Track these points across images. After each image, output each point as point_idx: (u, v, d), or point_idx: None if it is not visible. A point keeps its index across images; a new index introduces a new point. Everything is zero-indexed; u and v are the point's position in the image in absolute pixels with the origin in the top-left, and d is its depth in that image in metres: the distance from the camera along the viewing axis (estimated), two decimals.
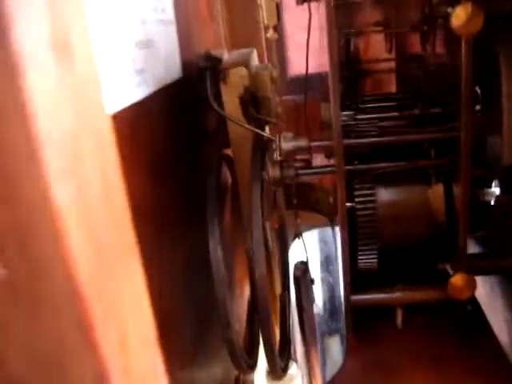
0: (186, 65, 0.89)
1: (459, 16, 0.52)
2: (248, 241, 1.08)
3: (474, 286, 0.62)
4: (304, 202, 1.20)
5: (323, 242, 1.55)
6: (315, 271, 1.48)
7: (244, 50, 1.06)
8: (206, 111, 1.01)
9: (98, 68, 0.32)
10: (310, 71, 0.96)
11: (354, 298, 0.70)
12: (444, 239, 0.69)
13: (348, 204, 0.70)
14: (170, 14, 0.81)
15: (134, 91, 0.64)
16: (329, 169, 0.66)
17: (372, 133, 0.65)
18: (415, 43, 0.71)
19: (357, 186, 0.68)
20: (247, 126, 0.81)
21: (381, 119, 0.70)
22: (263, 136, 0.77)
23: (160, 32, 0.76)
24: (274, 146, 0.67)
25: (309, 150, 0.64)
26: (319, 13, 0.79)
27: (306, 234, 1.36)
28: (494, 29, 0.63)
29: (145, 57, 0.68)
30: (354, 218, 0.71)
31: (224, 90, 0.90)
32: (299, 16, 1.39)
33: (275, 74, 0.98)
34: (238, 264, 1.22)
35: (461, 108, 0.57)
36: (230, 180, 1.14)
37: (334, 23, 0.56)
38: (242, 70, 0.89)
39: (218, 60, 0.82)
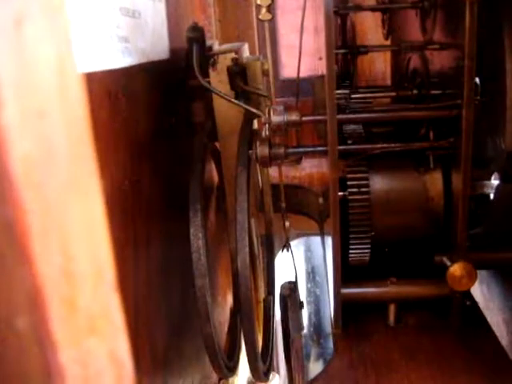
0: (173, 48, 0.85)
1: None
2: (232, 242, 1.03)
3: (474, 276, 0.58)
4: (292, 205, 1.16)
5: (310, 251, 1.50)
6: (301, 282, 1.43)
7: (235, 43, 1.03)
8: (194, 102, 0.97)
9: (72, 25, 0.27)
10: (302, 75, 0.92)
11: (344, 291, 0.65)
12: (442, 230, 0.64)
13: (340, 193, 0.66)
14: None
15: (115, 57, 0.60)
16: (320, 148, 0.61)
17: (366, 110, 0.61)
18: (414, 28, 0.68)
19: (349, 175, 0.64)
20: (235, 101, 0.76)
21: (376, 98, 0.66)
22: (251, 115, 0.73)
23: (148, 6, 0.72)
24: (264, 121, 0.62)
25: (300, 124, 0.60)
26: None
27: (292, 243, 1.32)
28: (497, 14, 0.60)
29: (129, 26, 0.64)
30: (346, 209, 0.67)
31: (213, 76, 0.86)
32: (292, 18, 1.37)
33: (267, 65, 0.95)
34: (222, 271, 1.17)
35: (463, 83, 0.53)
36: (216, 178, 1.10)
37: None
38: (231, 55, 0.85)
39: (203, 30, 0.78)
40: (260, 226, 1.12)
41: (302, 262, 1.50)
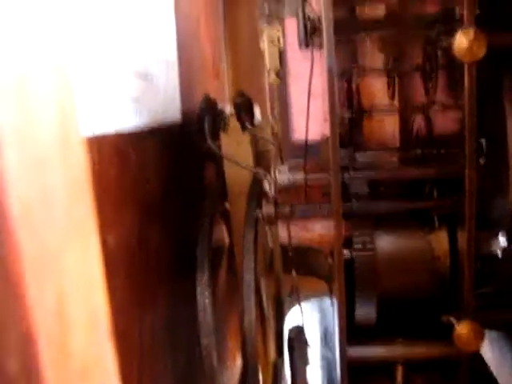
0: (186, 112, 0.88)
1: (461, 42, 0.50)
2: (241, 303, 1.03)
3: (481, 336, 0.57)
4: (302, 266, 1.15)
5: (322, 313, 1.48)
6: (313, 346, 1.40)
7: None
8: (205, 163, 0.99)
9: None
10: (312, 137, 0.94)
11: (350, 352, 0.64)
12: (448, 289, 0.64)
13: (345, 251, 0.66)
14: (173, 55, 0.81)
15: (127, 117, 0.62)
16: (325, 207, 0.62)
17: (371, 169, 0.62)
18: (418, 89, 0.70)
19: (355, 233, 0.65)
20: (243, 164, 0.78)
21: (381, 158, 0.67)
22: (259, 180, 0.74)
23: (161, 70, 0.75)
24: (269, 180, 0.64)
25: (305, 184, 0.61)
26: (322, 61, 0.78)
27: (303, 305, 1.30)
28: (500, 75, 0.62)
29: (142, 88, 0.67)
30: (352, 267, 0.67)
31: (224, 139, 0.88)
32: (304, 83, 1.41)
33: (276, 128, 0.97)
34: (232, 334, 1.15)
35: (465, 142, 0.54)
36: (226, 239, 1.10)
37: (333, 55, 0.55)
38: None
39: (215, 102, 0.80)
40: (270, 287, 1.11)
41: (313, 325, 1.48)
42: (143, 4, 0.70)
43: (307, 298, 1.37)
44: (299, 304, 1.09)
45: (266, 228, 1.04)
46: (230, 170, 0.92)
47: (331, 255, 0.75)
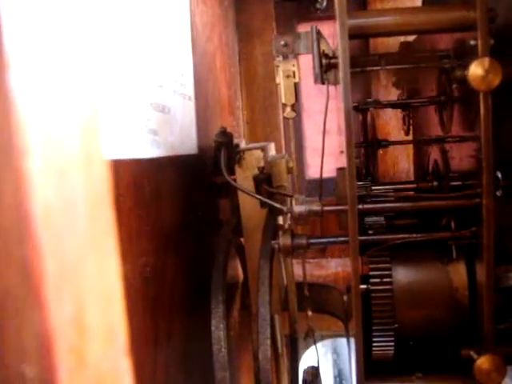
0: (202, 145, 0.89)
1: (477, 70, 0.51)
2: (255, 339, 1.01)
3: (503, 370, 0.55)
4: (317, 304, 1.13)
5: (336, 353, 1.45)
6: None
7: (262, 143, 1.07)
8: (220, 198, 0.99)
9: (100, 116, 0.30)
10: (327, 175, 0.95)
11: None
12: (467, 322, 0.62)
13: (363, 286, 0.65)
14: (189, 90, 0.82)
15: (144, 147, 0.62)
16: (342, 239, 0.62)
17: (387, 200, 0.62)
18: (433, 122, 0.70)
19: (371, 265, 0.64)
20: (259, 196, 0.78)
21: (397, 190, 0.67)
22: (275, 211, 0.74)
23: (178, 103, 0.76)
24: (286, 210, 0.63)
25: (321, 214, 0.61)
26: (337, 96, 0.79)
27: (318, 345, 1.28)
28: None
29: (159, 120, 0.68)
30: (369, 301, 0.66)
31: (239, 172, 0.88)
32: (317, 120, 1.42)
33: (291, 163, 0.97)
34: (245, 371, 1.13)
35: (482, 171, 0.54)
36: (241, 274, 1.10)
37: (349, 88, 0.55)
38: (257, 153, 0.88)
39: (231, 135, 0.81)
40: (285, 326, 1.10)
41: (329, 366, 1.45)
42: (163, 39, 0.71)
43: (322, 338, 1.35)
44: (315, 345, 1.07)
45: (281, 264, 1.03)
46: (244, 205, 0.92)
47: (347, 292, 0.74)
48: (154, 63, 0.67)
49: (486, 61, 0.51)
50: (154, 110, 0.67)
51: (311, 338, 1.06)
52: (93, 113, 0.27)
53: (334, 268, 1.25)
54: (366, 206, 0.59)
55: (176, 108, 0.75)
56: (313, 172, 1.36)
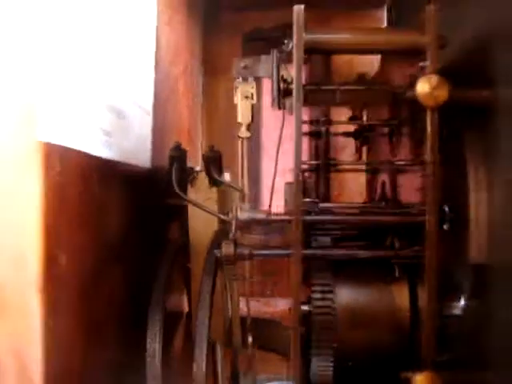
0: (155, 162, 0.89)
1: (424, 87, 0.53)
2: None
3: None
4: (261, 340, 1.11)
5: None
6: None
7: None
8: (170, 219, 0.98)
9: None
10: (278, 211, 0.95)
11: None
12: (408, 343, 0.62)
13: (305, 308, 0.65)
14: (148, 105, 0.83)
15: (95, 145, 0.62)
16: (286, 251, 0.61)
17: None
18: (384, 150, 0.72)
19: (314, 281, 0.63)
20: (208, 208, 0.77)
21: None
22: (222, 234, 0.74)
23: (135, 113, 0.76)
24: (230, 218, 0.63)
25: (266, 222, 0.60)
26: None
27: None
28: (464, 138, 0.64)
29: (113, 123, 0.67)
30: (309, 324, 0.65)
31: (191, 193, 0.88)
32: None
33: (244, 189, 0.97)
34: None
35: (427, 189, 0.55)
36: (186, 308, 1.07)
37: (301, 114, 0.57)
38: None
39: (185, 151, 0.81)
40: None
41: None
42: (125, 48, 0.72)
43: (262, 381, 1.31)
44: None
45: (226, 294, 1.02)
46: (194, 226, 0.91)
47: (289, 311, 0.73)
48: (114, 67, 0.67)
49: (433, 78, 0.53)
50: (109, 112, 0.66)
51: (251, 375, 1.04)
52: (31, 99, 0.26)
53: (281, 306, 1.24)
54: (311, 217, 0.60)
55: (133, 117, 0.75)
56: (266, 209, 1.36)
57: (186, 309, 1.08)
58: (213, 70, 1.29)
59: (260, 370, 1.19)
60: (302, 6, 0.58)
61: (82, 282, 0.60)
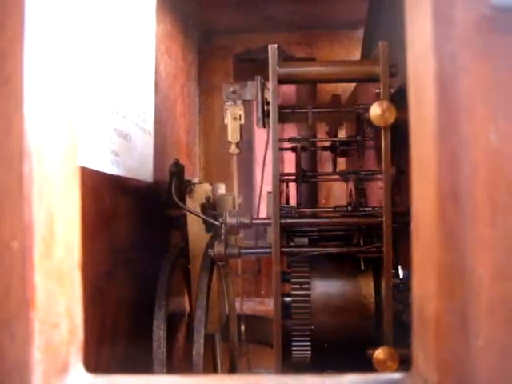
0: (157, 177, 1.00)
1: (376, 110, 0.64)
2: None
3: (397, 358, 0.65)
4: (255, 335, 1.23)
5: None
6: None
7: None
8: (171, 229, 1.09)
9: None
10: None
11: None
12: (373, 325, 0.73)
13: (287, 299, 0.76)
14: (149, 126, 0.95)
15: (105, 164, 0.73)
16: (268, 250, 0.73)
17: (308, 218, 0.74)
18: (354, 159, 0.84)
19: (293, 273, 0.75)
20: (202, 215, 0.89)
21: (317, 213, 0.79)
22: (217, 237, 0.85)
23: (138, 135, 0.88)
24: (220, 222, 0.74)
25: (250, 225, 0.72)
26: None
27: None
28: None
29: (121, 144, 0.79)
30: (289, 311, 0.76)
31: (189, 203, 0.99)
32: (268, 171, 1.55)
33: (238, 200, 1.09)
34: None
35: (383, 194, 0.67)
36: (187, 309, 1.18)
37: (277, 132, 0.69)
38: (206, 186, 0.99)
39: (183, 167, 0.93)
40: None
41: None
42: (128, 76, 0.84)
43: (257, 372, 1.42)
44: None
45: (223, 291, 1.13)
46: (192, 232, 1.03)
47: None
48: (120, 96, 0.79)
49: (384, 102, 0.65)
50: (117, 135, 0.78)
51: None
52: (75, 128, 0.38)
53: None
54: (287, 220, 0.71)
55: (136, 138, 0.87)
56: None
57: (188, 309, 1.19)
58: (208, 90, 1.41)
59: (255, 364, 1.29)
60: (276, 45, 0.70)
61: (96, 284, 0.71)
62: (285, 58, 1.31)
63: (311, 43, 1.45)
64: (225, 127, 1.45)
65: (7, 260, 0.32)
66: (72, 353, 0.36)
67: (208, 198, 0.96)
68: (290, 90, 1.35)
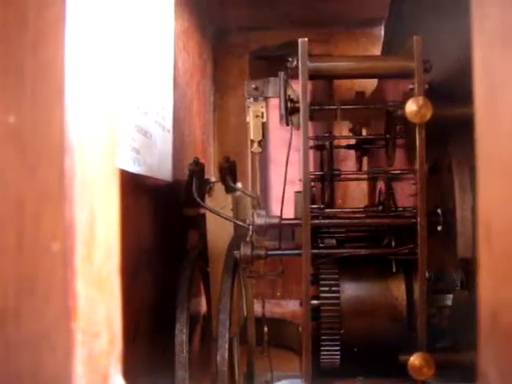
0: (176, 176, 0.98)
1: (412, 106, 0.62)
2: (213, 365, 1.07)
3: (433, 365, 0.63)
4: (273, 338, 1.20)
5: None
6: None
7: None
8: (189, 229, 1.07)
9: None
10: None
11: None
12: (405, 329, 0.70)
13: (314, 302, 0.73)
14: (168, 123, 0.92)
15: (127, 162, 0.71)
16: (296, 251, 0.70)
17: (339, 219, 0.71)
18: (381, 161, 0.81)
19: (322, 276, 0.72)
20: (225, 215, 0.86)
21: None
22: (239, 238, 0.83)
23: (158, 132, 0.86)
24: (248, 223, 0.72)
25: (280, 226, 0.70)
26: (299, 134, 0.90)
27: None
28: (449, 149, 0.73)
29: (141, 141, 0.77)
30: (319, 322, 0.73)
31: (208, 202, 0.97)
32: (283, 171, 1.53)
33: (255, 200, 1.06)
34: None
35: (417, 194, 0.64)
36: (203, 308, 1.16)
37: (307, 118, 0.66)
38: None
39: (203, 165, 0.90)
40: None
41: None
42: (149, 73, 0.81)
43: (278, 379, 1.39)
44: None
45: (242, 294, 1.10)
46: (211, 233, 1.00)
47: (300, 305, 0.82)
48: (141, 91, 0.77)
49: (420, 98, 0.62)
50: (138, 132, 0.76)
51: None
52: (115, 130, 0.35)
53: (291, 307, 1.32)
54: (317, 221, 0.69)
55: (156, 136, 0.85)
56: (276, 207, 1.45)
57: (203, 311, 1.17)
58: (223, 88, 1.38)
59: (273, 368, 1.26)
60: (306, 39, 0.67)
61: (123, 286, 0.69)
62: None
63: (327, 41, 1.42)
64: (239, 127, 1.44)
65: (47, 264, 0.29)
66: (111, 364, 0.33)
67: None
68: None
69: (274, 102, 0.96)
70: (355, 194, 1.30)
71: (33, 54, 0.29)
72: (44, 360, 0.29)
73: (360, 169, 0.88)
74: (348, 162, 1.09)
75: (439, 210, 0.73)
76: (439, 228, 0.73)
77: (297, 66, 0.74)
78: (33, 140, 0.29)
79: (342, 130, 0.99)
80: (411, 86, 0.67)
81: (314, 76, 0.69)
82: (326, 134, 0.88)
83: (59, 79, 0.29)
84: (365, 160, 0.99)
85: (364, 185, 1.12)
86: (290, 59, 1.17)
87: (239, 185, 1.15)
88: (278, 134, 1.55)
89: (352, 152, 0.93)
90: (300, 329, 1.07)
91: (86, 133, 0.31)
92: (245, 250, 0.71)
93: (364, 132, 0.93)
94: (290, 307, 1.34)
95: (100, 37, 0.33)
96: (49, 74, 0.29)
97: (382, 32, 1.43)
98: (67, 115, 0.29)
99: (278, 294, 1.40)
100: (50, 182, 0.29)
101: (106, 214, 0.33)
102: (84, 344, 0.30)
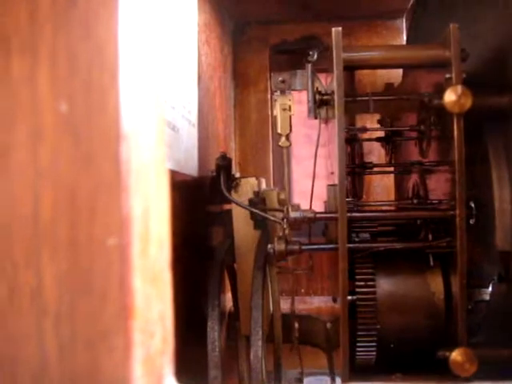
0: (201, 171, 0.96)
1: (450, 96, 0.60)
2: (241, 364, 1.06)
3: (475, 361, 0.61)
4: (300, 335, 1.18)
5: None
6: None
7: None
8: (213, 226, 1.06)
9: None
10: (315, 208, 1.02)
11: None
12: (443, 323, 0.69)
13: (350, 297, 0.72)
14: (194, 118, 0.91)
15: None
16: (331, 246, 0.69)
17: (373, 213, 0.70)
18: (412, 154, 0.79)
19: (357, 270, 0.71)
20: (255, 210, 0.85)
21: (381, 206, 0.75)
22: (268, 235, 0.81)
23: (184, 126, 0.84)
24: (283, 216, 0.70)
25: (314, 220, 0.68)
26: (326, 143, 0.88)
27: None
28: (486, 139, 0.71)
29: (170, 136, 0.76)
30: (354, 317, 0.72)
31: (235, 197, 0.95)
32: (306, 166, 1.51)
33: (283, 195, 1.05)
34: None
35: (455, 185, 0.62)
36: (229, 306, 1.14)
37: (343, 110, 0.64)
38: (252, 180, 0.95)
39: (230, 160, 0.89)
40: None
41: None
42: (176, 66, 0.80)
43: (305, 376, 1.38)
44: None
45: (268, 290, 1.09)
46: (238, 229, 0.98)
47: (333, 301, 0.80)
48: (168, 85, 0.76)
49: (459, 87, 0.60)
50: (167, 126, 0.74)
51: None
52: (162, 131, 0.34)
53: (316, 304, 1.31)
54: (353, 214, 0.67)
55: (183, 130, 0.83)
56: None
57: (228, 307, 1.15)
58: (243, 83, 1.37)
59: (297, 364, 1.25)
60: (340, 28, 0.66)
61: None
62: (324, 48, 1.26)
63: (349, 33, 1.39)
64: (260, 122, 1.42)
65: (103, 260, 0.28)
66: (165, 364, 0.32)
67: (257, 193, 0.92)
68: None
69: (296, 97, 0.95)
70: (379, 189, 1.28)
71: (84, 36, 0.27)
72: (100, 361, 0.28)
73: (390, 162, 0.86)
74: (371, 155, 1.07)
75: (472, 203, 0.71)
76: (471, 221, 0.71)
77: (317, 61, 0.72)
78: (87, 128, 0.27)
79: (365, 123, 0.97)
80: (448, 76, 0.65)
81: (346, 67, 0.68)
82: (352, 127, 0.86)
83: (113, 62, 0.27)
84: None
85: (387, 179, 1.10)
86: (310, 53, 1.15)
87: (262, 182, 1.14)
88: (299, 129, 1.54)
89: (376, 145, 0.91)
90: (328, 325, 1.05)
91: (139, 121, 0.29)
92: (279, 245, 0.69)
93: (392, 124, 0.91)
94: (314, 303, 1.33)
95: (147, 20, 0.32)
96: (104, 56, 0.27)
97: (404, 24, 1.41)
98: (122, 102, 0.28)
99: (302, 291, 1.38)
100: (105, 173, 0.27)
101: (158, 207, 0.31)
102: (141, 344, 0.28)
